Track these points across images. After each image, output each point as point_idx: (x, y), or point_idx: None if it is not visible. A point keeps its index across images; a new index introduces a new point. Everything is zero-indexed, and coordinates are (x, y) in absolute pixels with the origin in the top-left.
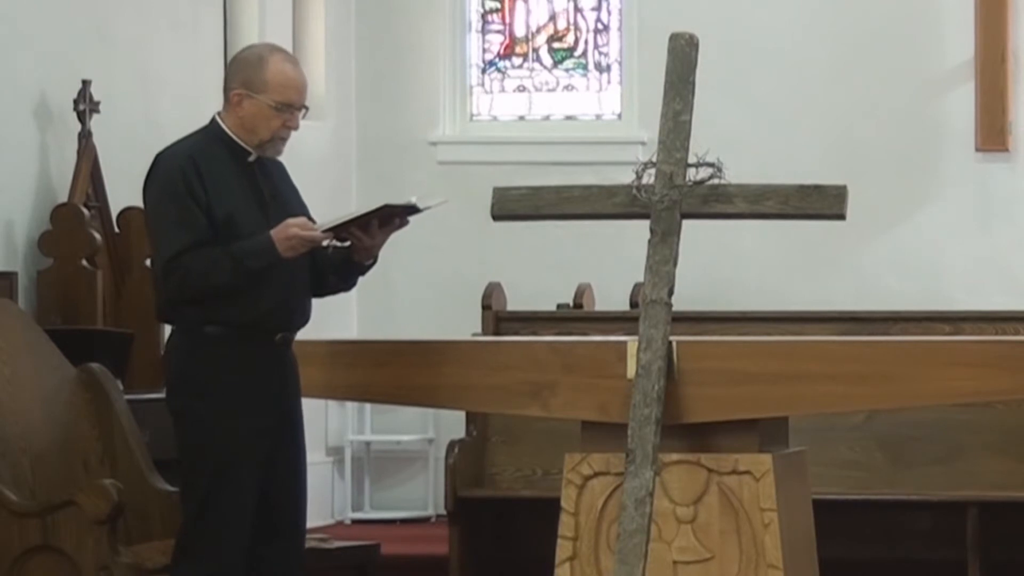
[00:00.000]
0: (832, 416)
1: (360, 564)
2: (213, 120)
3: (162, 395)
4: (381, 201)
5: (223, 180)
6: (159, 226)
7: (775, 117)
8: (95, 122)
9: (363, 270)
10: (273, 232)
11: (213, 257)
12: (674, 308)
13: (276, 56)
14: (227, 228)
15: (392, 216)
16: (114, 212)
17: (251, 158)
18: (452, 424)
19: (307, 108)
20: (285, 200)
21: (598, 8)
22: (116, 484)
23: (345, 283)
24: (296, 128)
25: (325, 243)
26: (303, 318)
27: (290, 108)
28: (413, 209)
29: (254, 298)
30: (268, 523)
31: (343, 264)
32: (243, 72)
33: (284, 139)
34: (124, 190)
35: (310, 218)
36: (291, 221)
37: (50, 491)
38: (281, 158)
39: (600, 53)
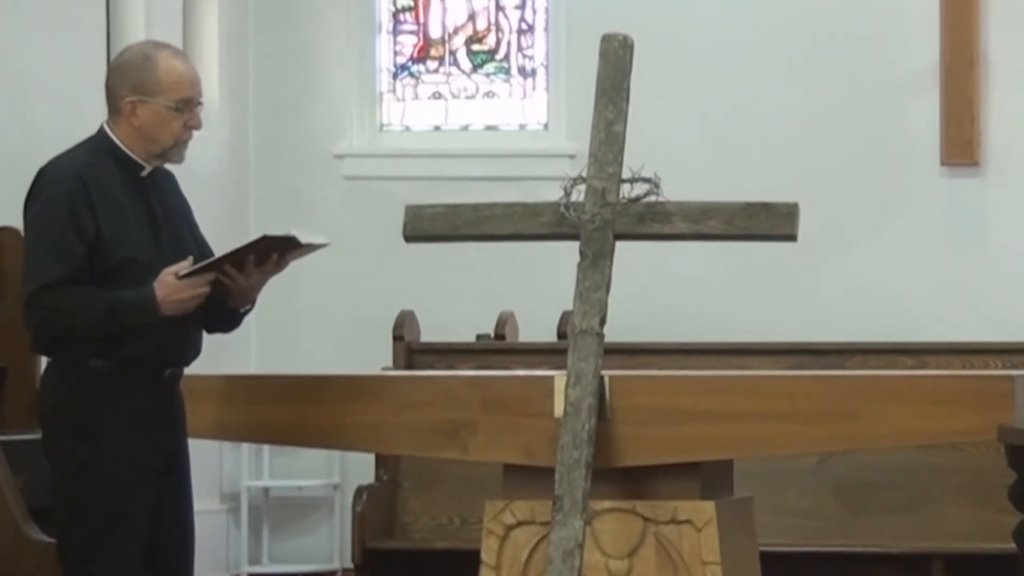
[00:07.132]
0: (782, 459)
1: None
2: (101, 130)
3: (39, 436)
4: (259, 234)
5: (113, 200)
6: (33, 252)
7: (719, 127)
8: None
9: (238, 317)
10: (157, 289)
11: (85, 298)
12: (606, 339)
13: (163, 53)
14: (114, 250)
15: (269, 251)
16: None
17: (144, 172)
18: (360, 468)
19: (202, 103)
20: (178, 223)
21: (522, 7)
22: None
23: (222, 327)
24: (199, 127)
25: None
26: (194, 352)
27: (189, 105)
28: (292, 243)
29: (142, 331)
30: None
31: (218, 309)
32: (131, 76)
33: (187, 142)
34: None
35: (200, 240)
36: (168, 278)
37: None
38: (172, 172)
39: (524, 56)
